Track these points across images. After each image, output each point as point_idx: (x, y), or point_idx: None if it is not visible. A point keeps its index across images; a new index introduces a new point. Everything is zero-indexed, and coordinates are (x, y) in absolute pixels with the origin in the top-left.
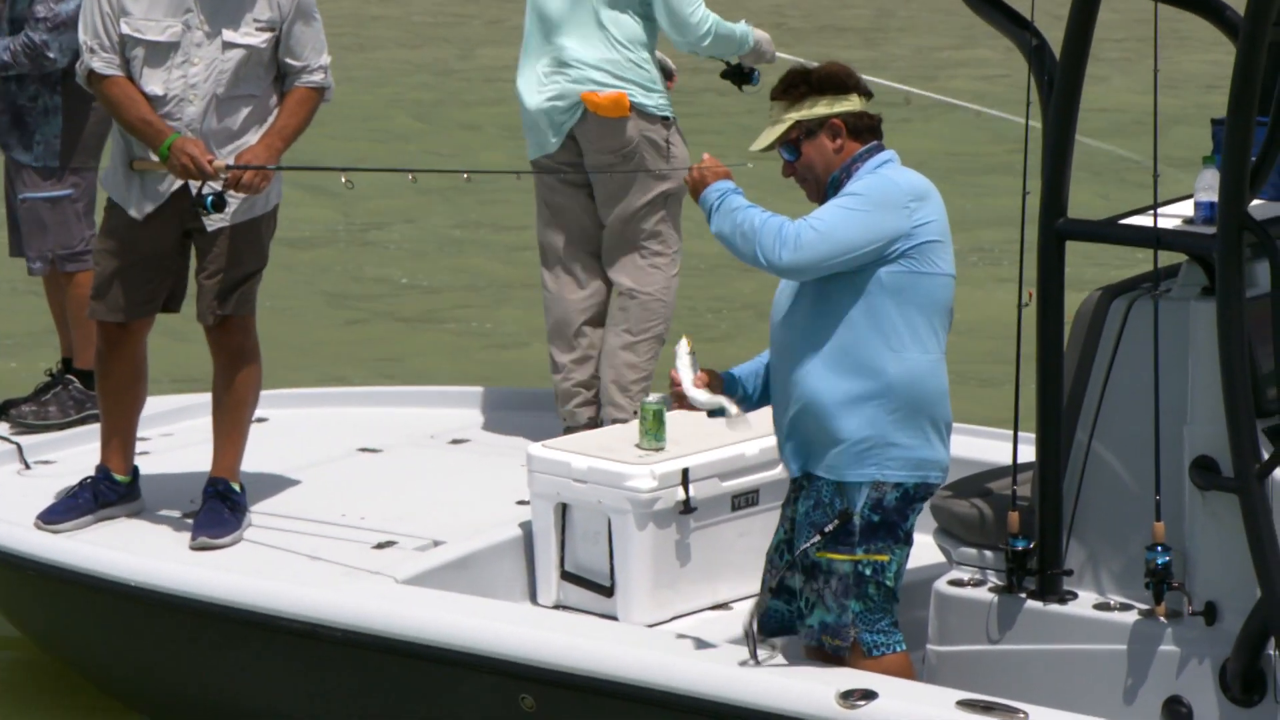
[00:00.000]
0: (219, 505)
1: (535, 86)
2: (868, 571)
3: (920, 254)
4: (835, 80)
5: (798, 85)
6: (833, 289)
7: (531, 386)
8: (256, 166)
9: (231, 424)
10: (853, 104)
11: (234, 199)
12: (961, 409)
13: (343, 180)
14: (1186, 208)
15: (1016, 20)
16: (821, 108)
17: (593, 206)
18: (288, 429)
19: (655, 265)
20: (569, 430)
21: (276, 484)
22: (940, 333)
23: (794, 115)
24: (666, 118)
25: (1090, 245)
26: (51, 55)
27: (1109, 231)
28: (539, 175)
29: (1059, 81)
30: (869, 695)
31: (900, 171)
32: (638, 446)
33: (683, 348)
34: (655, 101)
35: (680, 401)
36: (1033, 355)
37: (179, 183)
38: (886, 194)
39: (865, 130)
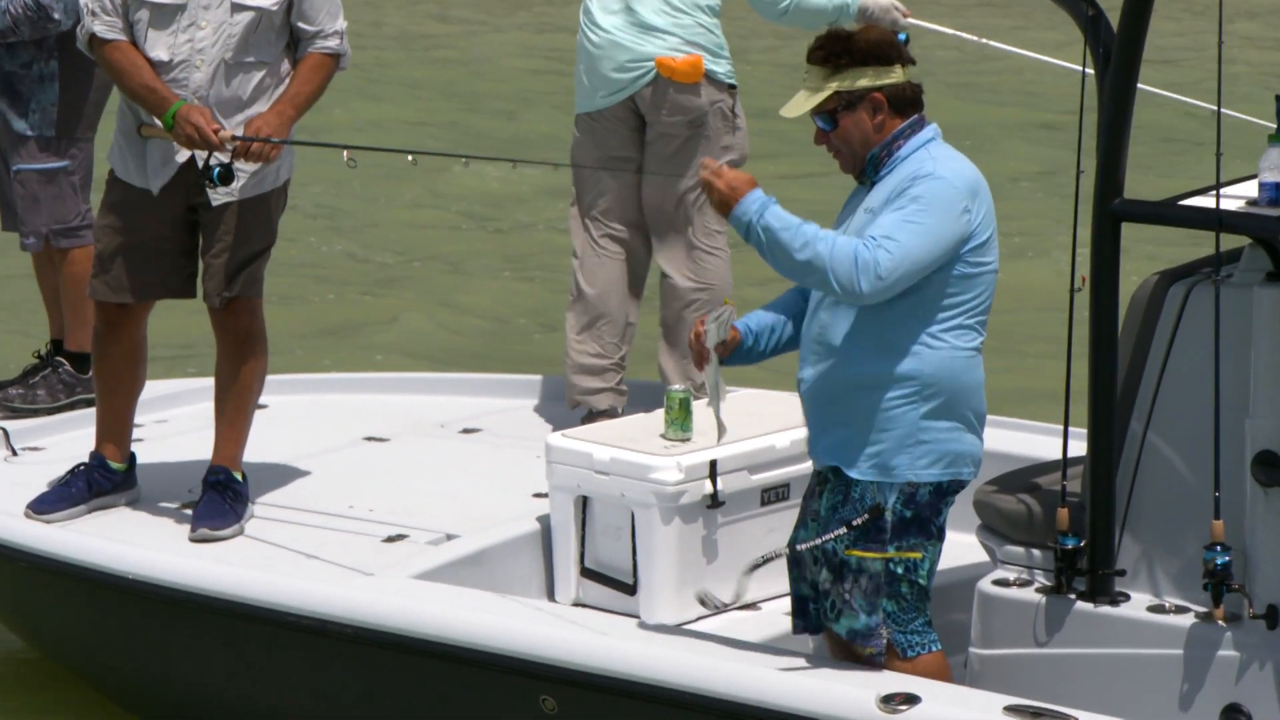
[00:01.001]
0: (220, 495)
1: (603, 41)
2: (900, 570)
3: (972, 254)
4: (879, 51)
5: (839, 54)
6: None
7: (545, 373)
8: (263, 139)
9: (235, 410)
10: (896, 76)
11: (242, 172)
12: (1009, 400)
13: (345, 158)
14: (1250, 188)
15: None
16: (865, 81)
17: (637, 177)
18: (289, 416)
19: (712, 251)
20: (588, 418)
21: (279, 474)
22: (981, 326)
23: (834, 85)
24: (733, 85)
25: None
26: (56, 17)
27: (1168, 213)
28: (584, 133)
29: (1116, 54)
30: (911, 700)
31: (948, 160)
32: (663, 437)
33: (724, 313)
34: (724, 68)
35: (698, 359)
36: (1085, 343)
37: (186, 153)
38: (948, 199)
39: (908, 104)
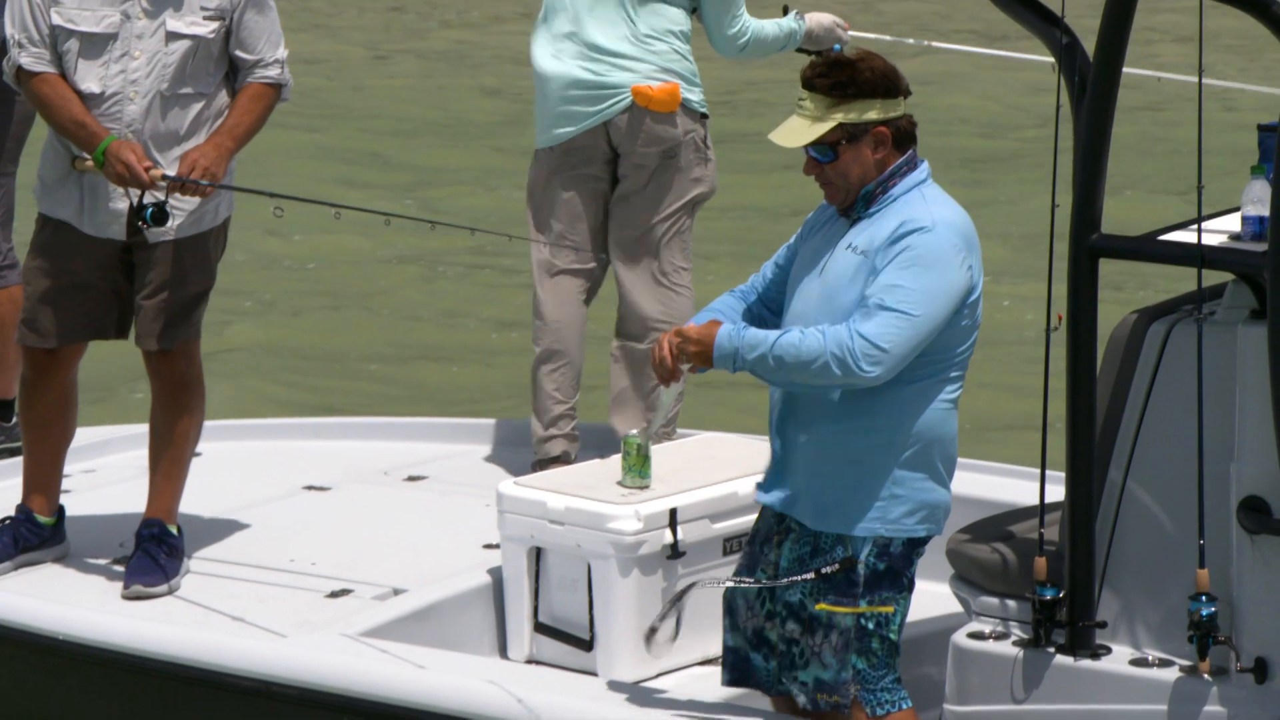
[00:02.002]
0: (154, 549)
1: (566, 68)
2: (871, 625)
3: (967, 307)
4: (888, 82)
5: (845, 84)
6: None
7: (493, 417)
8: (191, 180)
9: (171, 460)
10: (899, 108)
11: (179, 210)
12: (983, 445)
13: (273, 210)
14: (1233, 222)
15: (1045, 16)
16: (873, 114)
17: (602, 208)
18: (224, 464)
19: (676, 289)
20: (539, 465)
21: (214, 526)
22: (962, 377)
23: (839, 116)
24: (705, 114)
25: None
26: None
27: (1147, 248)
28: (548, 168)
29: (1093, 83)
30: None
31: (941, 208)
32: (620, 484)
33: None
34: (698, 97)
35: (669, 376)
36: (1062, 384)
37: (124, 200)
38: (949, 257)
39: (907, 138)
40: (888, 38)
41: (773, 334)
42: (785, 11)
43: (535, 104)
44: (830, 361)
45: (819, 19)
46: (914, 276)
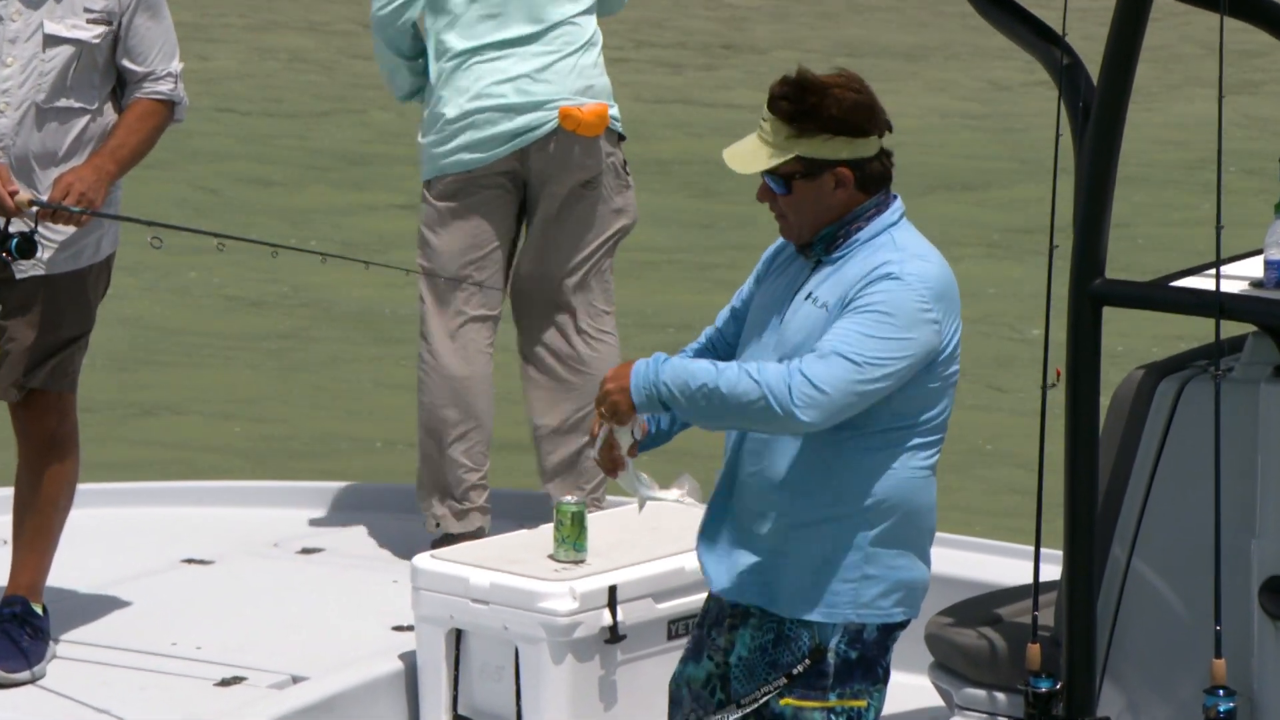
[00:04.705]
0: (16, 631)
1: (479, 86)
2: None
3: (938, 365)
4: (856, 118)
5: (808, 117)
6: None
7: (397, 482)
8: (61, 207)
9: (36, 530)
10: (870, 148)
11: (50, 241)
12: (968, 517)
13: (149, 239)
14: (1254, 267)
15: (1043, 33)
16: (839, 153)
17: (511, 247)
18: (92, 534)
19: (599, 336)
20: (442, 541)
21: (84, 604)
22: (940, 441)
23: (798, 149)
24: (624, 136)
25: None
26: None
27: (1158, 295)
28: (445, 202)
29: (1097, 110)
30: None
31: (912, 254)
32: (552, 558)
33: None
34: (618, 114)
35: (611, 466)
36: (1060, 448)
37: None
38: (912, 310)
39: (876, 180)
40: None
41: (700, 365)
42: None
43: (424, 125)
44: (768, 397)
45: None
46: (869, 324)
